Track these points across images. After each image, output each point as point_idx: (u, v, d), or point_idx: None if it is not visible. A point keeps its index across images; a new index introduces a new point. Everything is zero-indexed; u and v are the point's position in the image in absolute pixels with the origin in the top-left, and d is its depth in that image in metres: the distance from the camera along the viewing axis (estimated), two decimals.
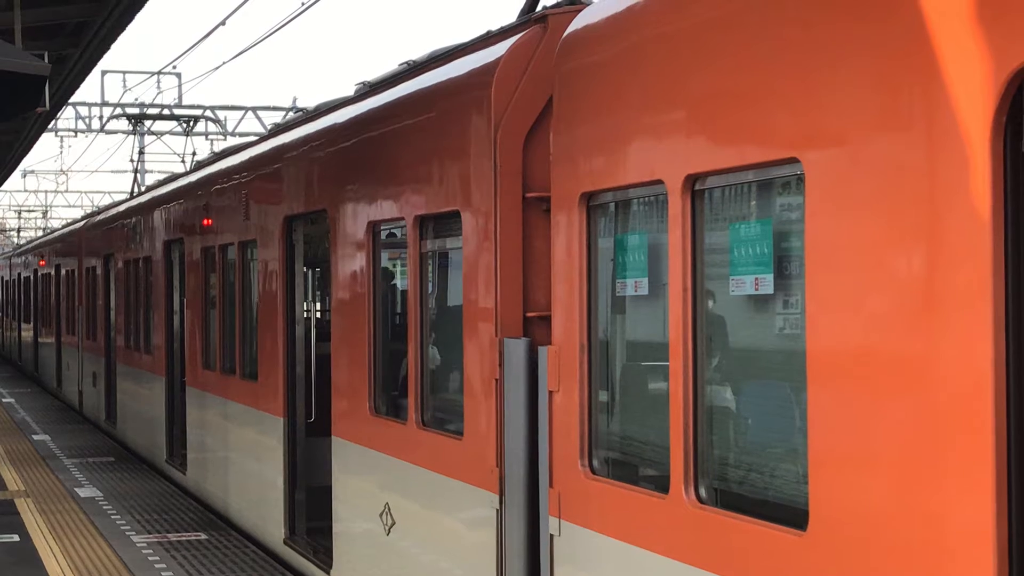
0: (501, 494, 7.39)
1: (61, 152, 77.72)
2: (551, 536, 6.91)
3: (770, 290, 5.32)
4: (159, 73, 37.58)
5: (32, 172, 66.08)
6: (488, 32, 8.43)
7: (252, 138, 18.14)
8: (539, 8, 8.04)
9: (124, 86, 39.36)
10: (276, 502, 12.27)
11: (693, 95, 5.67)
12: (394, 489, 9.14)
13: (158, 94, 38.15)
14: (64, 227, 35.92)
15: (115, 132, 40.57)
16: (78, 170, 65.84)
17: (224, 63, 31.18)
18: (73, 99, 32.95)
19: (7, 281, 49.46)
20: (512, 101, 7.47)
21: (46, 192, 70.67)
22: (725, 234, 5.62)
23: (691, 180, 5.66)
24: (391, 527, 9.18)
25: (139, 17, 16.82)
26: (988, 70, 4.04)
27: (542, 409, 6.99)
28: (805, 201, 4.89)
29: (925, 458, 4.28)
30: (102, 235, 24.68)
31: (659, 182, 5.88)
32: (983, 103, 4.05)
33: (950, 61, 4.19)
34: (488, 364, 7.52)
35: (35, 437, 23.40)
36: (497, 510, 7.43)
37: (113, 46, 16.59)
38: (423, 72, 9.17)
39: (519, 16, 8.24)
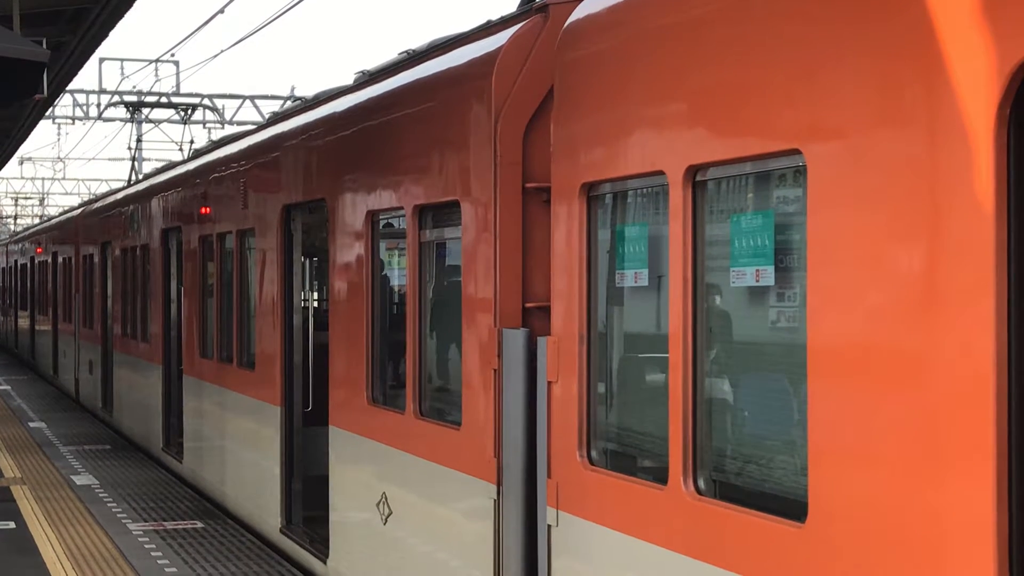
0: (499, 484, 7.38)
1: (58, 139, 77.95)
2: (549, 527, 6.90)
3: (771, 282, 5.30)
4: (157, 61, 37.52)
5: (29, 159, 66.02)
6: (489, 22, 8.40)
7: (250, 127, 18.11)
8: None
9: (122, 73, 39.29)
10: (273, 491, 12.26)
11: (695, 86, 5.65)
12: (391, 479, 9.13)
13: (156, 82, 38.08)
14: (61, 214, 35.88)
15: (113, 120, 40.50)
16: (75, 157, 65.75)
17: (222, 51, 31.16)
18: (71, 86, 32.90)
19: (3, 268, 49.41)
20: (513, 91, 7.46)
21: (43, 179, 70.59)
22: (726, 225, 5.60)
23: (692, 171, 5.64)
24: (388, 517, 9.17)
25: (137, 4, 16.76)
26: (992, 62, 4.02)
27: (541, 399, 6.98)
28: (807, 193, 4.87)
29: (925, 452, 4.27)
30: (99, 223, 24.65)
31: (660, 173, 5.86)
32: (987, 95, 4.03)
33: (954, 53, 4.17)
34: (487, 354, 7.51)
35: (31, 424, 23.39)
36: (495, 500, 7.43)
37: (111, 33, 16.53)
38: (423, 61, 9.14)
39: (520, 6, 8.21)
